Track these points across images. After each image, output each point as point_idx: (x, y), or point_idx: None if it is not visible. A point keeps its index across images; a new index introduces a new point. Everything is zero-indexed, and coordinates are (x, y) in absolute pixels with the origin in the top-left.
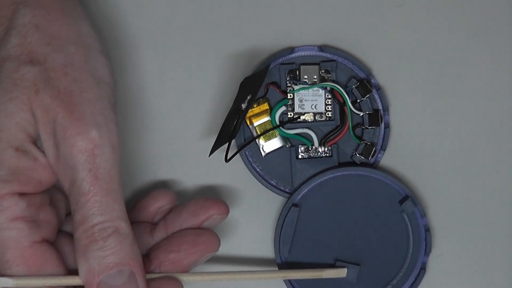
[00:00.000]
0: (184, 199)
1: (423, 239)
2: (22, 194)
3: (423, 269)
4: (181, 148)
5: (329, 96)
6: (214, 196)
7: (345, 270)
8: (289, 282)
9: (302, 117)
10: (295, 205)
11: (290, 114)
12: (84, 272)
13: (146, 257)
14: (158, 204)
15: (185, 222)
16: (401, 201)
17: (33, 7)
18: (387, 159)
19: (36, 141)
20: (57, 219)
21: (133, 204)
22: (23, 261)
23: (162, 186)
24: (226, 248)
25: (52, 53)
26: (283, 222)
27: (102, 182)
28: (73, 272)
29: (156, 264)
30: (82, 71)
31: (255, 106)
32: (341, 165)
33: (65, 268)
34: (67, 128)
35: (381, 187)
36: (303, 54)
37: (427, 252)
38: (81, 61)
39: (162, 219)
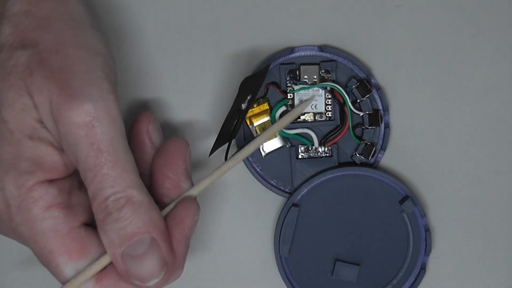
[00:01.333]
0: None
1: (423, 239)
2: (50, 182)
3: (423, 269)
4: None
5: (329, 96)
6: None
7: (313, 96)
8: (288, 282)
9: (302, 117)
10: (295, 205)
11: None
12: (107, 247)
13: (150, 177)
14: (143, 128)
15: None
16: (401, 201)
17: None
18: (387, 159)
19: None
20: (90, 201)
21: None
22: (64, 249)
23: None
24: (226, 248)
25: (42, 34)
26: (283, 222)
27: (106, 154)
28: None
29: (160, 182)
30: (73, 45)
31: (255, 106)
32: (341, 165)
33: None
34: (62, 106)
35: (381, 187)
36: (303, 54)
37: (427, 252)
38: (71, 36)
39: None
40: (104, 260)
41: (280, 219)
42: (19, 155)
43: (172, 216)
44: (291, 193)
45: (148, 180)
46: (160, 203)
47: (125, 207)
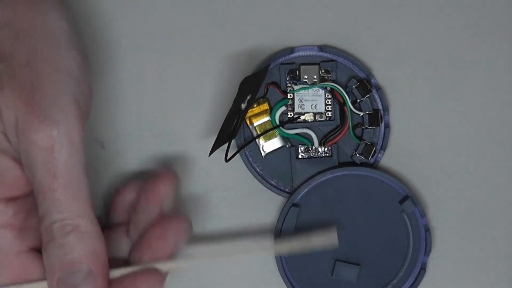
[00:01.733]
0: (184, 199)
1: (423, 239)
2: (8, 200)
3: (423, 269)
4: (181, 148)
5: (329, 96)
6: (160, 170)
7: (335, 235)
8: (288, 282)
9: (302, 117)
10: (295, 205)
11: (290, 114)
12: (47, 270)
13: (126, 262)
14: (126, 200)
15: (147, 213)
16: (401, 201)
17: (2, 4)
18: (387, 159)
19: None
20: None
21: (108, 207)
22: (7, 270)
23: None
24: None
25: (17, 47)
26: (283, 222)
27: (60, 180)
28: None
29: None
30: (46, 64)
31: (255, 106)
32: (341, 165)
33: None
34: (26, 125)
35: (381, 187)
36: (303, 54)
37: (427, 252)
38: (45, 54)
39: (132, 219)
40: (40, 285)
41: (280, 219)
42: None
43: (129, 280)
44: (291, 193)
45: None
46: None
47: (70, 235)
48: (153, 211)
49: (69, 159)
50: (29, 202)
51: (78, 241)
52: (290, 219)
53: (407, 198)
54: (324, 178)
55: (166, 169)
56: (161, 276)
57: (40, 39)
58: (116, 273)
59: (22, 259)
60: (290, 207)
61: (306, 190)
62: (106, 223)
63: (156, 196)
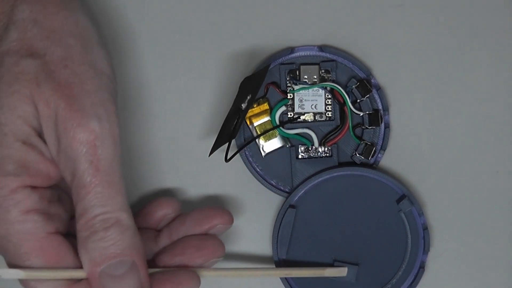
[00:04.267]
0: (184, 199)
1: (421, 238)
2: (33, 188)
3: (422, 267)
4: (181, 148)
5: (329, 96)
6: (219, 206)
7: (346, 269)
8: (287, 282)
9: (302, 117)
10: (291, 206)
11: (290, 114)
12: (87, 263)
13: (152, 262)
14: (163, 212)
15: (189, 229)
16: (398, 200)
17: (31, 2)
18: (387, 159)
19: (41, 134)
20: (66, 215)
21: (138, 210)
22: (41, 252)
23: (161, 185)
24: (227, 248)
25: (51, 46)
26: (280, 223)
27: (103, 174)
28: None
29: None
30: (82, 63)
31: (255, 106)
32: (341, 165)
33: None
34: (68, 120)
35: (378, 187)
36: (303, 54)
37: (426, 250)
38: (80, 53)
39: (166, 227)
40: (76, 273)
41: (277, 221)
42: (8, 156)
43: (168, 276)
44: (291, 193)
45: None
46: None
47: (113, 228)
48: (192, 229)
49: (111, 154)
50: (50, 193)
51: (121, 233)
52: (287, 221)
53: (404, 197)
54: (320, 179)
55: (223, 210)
56: (198, 277)
57: (74, 40)
58: (153, 270)
59: (53, 240)
60: (287, 208)
61: (302, 192)
62: None
63: (206, 226)
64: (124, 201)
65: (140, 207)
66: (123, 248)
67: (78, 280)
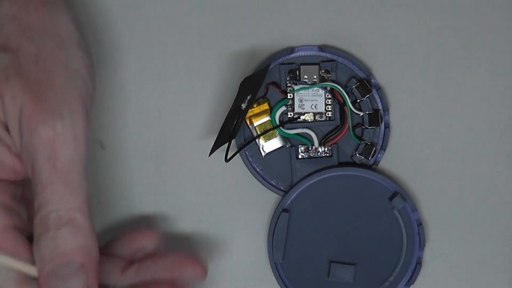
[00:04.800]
0: (184, 199)
1: (416, 234)
2: None
3: (419, 263)
4: (181, 148)
5: (329, 96)
6: (193, 256)
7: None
8: (285, 286)
9: (302, 117)
10: (284, 210)
11: (290, 114)
12: (37, 260)
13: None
14: (141, 244)
15: (158, 272)
16: (391, 198)
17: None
18: (387, 159)
19: (8, 129)
20: (26, 215)
21: (119, 235)
22: None
23: (161, 186)
24: (227, 248)
25: (25, 42)
26: (274, 228)
27: (60, 172)
28: None
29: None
30: (54, 61)
31: (255, 106)
32: (341, 165)
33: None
34: (31, 116)
35: (371, 186)
36: (303, 54)
37: (422, 246)
38: (53, 51)
39: (138, 261)
40: (31, 270)
41: (271, 225)
42: None
43: None
44: (284, 195)
45: None
46: None
47: (64, 227)
48: (162, 272)
49: (70, 153)
50: (14, 189)
51: (72, 234)
52: (280, 225)
53: (396, 194)
54: (312, 181)
55: (197, 260)
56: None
57: (49, 38)
58: None
59: (11, 233)
60: (280, 213)
61: (294, 195)
62: (106, 247)
63: (176, 273)
64: (81, 202)
65: (122, 232)
66: (73, 248)
67: (34, 280)
